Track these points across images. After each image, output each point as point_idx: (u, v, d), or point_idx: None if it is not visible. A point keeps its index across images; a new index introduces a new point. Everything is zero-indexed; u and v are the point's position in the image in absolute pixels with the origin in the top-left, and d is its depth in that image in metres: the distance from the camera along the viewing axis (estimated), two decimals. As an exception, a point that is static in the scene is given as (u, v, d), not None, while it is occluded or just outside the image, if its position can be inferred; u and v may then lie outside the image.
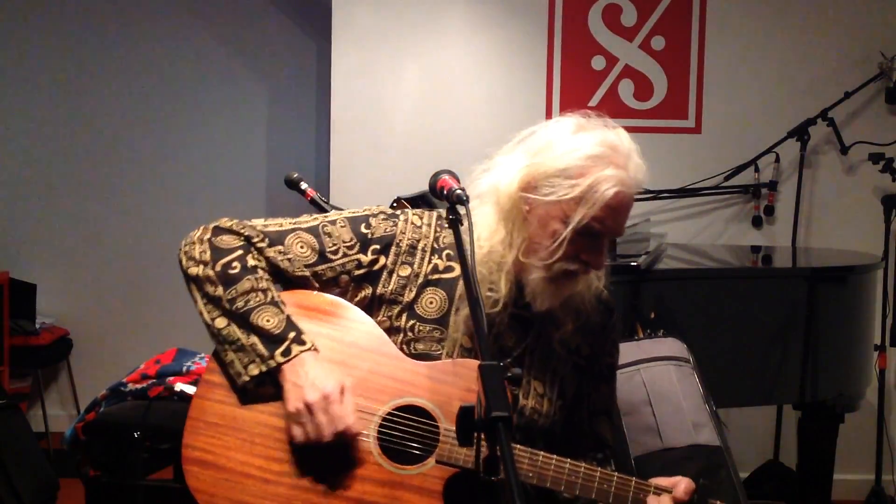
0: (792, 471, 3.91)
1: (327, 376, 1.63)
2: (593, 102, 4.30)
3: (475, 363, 1.64)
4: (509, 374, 1.44)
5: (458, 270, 1.75)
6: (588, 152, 1.66)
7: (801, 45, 4.29)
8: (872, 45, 4.20)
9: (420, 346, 1.71)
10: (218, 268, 1.69)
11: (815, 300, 3.07)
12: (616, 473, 1.66)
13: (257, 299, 1.67)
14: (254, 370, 1.65)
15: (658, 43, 4.32)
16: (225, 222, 1.76)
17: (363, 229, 1.76)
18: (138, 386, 2.70)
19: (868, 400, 3.64)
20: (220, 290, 1.68)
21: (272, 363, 1.64)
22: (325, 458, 1.63)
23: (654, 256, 3.19)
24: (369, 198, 3.80)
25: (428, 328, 1.72)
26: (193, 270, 1.71)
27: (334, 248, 1.74)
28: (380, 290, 1.74)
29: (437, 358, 1.70)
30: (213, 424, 1.68)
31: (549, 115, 4.25)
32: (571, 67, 4.32)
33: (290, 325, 1.67)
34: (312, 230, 1.76)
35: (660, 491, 1.62)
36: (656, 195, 4.09)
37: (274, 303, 1.69)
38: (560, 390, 1.79)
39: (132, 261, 5.01)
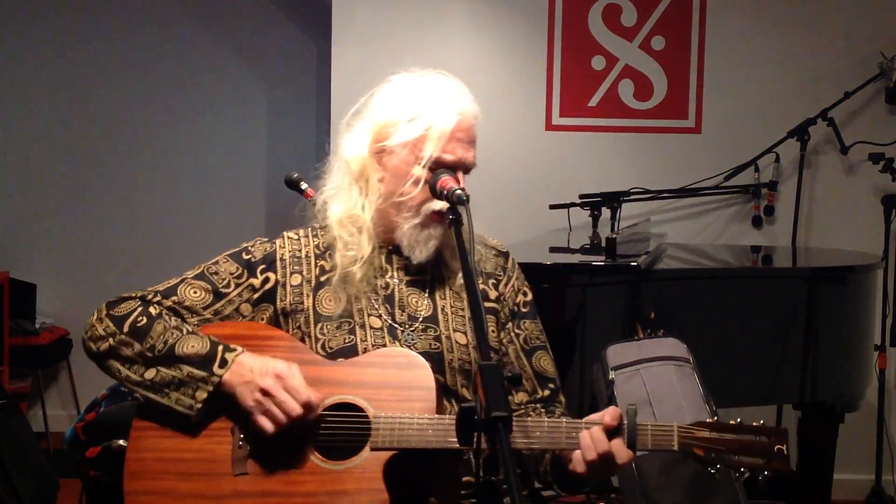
0: (792, 471, 3.91)
1: (272, 361, 1.67)
2: (593, 102, 4.30)
3: (394, 350, 1.73)
4: (509, 375, 1.45)
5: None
6: (421, 93, 1.79)
7: (801, 45, 4.29)
8: (872, 45, 4.20)
9: (335, 343, 1.75)
10: (126, 328, 1.72)
11: (815, 300, 3.07)
12: (546, 419, 1.69)
13: (174, 336, 1.71)
14: (201, 395, 1.66)
15: (658, 43, 4.32)
16: (113, 297, 1.80)
17: (244, 256, 1.83)
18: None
19: (868, 400, 3.64)
20: (136, 346, 1.71)
21: (215, 379, 1.66)
22: (265, 470, 1.66)
23: (654, 256, 3.19)
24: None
25: (335, 324, 1.77)
26: (104, 346, 1.73)
27: (225, 282, 1.80)
28: (279, 304, 1.80)
29: (353, 347, 1.74)
30: (151, 467, 1.70)
31: (549, 115, 4.26)
32: (571, 67, 4.32)
33: (213, 342, 1.70)
34: (199, 275, 1.81)
35: (590, 425, 1.62)
36: (656, 195, 4.09)
37: (192, 333, 1.72)
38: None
39: (132, 261, 5.01)
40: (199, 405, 1.66)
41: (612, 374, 2.49)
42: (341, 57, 4.31)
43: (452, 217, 1.63)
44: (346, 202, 1.80)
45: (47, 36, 5.03)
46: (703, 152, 4.30)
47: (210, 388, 1.66)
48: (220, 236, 5.01)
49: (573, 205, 3.91)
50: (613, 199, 3.76)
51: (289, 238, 1.86)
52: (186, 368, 1.67)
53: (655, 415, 2.37)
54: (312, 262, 1.83)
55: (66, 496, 3.36)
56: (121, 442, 2.55)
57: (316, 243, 1.85)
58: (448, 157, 1.73)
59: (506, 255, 1.94)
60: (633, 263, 2.85)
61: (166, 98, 5.10)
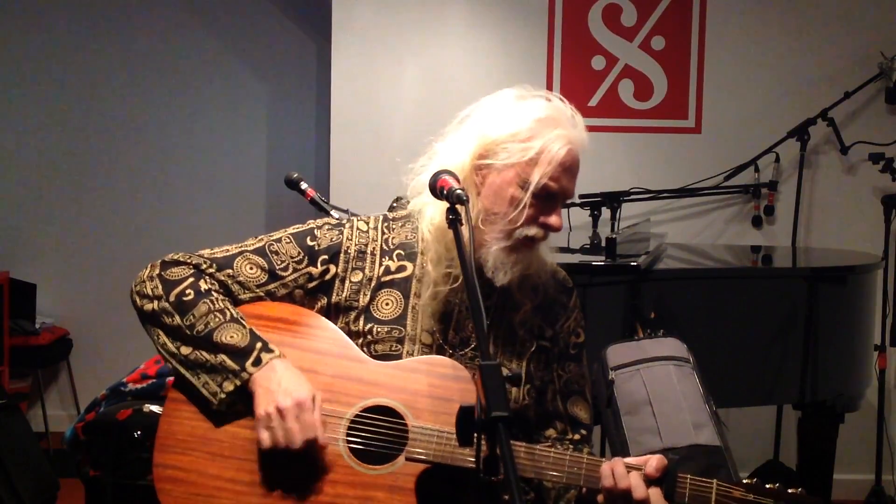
0: (792, 471, 3.91)
1: (300, 384, 1.63)
2: (593, 102, 4.30)
3: (439, 359, 1.69)
4: (508, 374, 1.44)
5: (410, 269, 1.77)
6: (535, 116, 1.70)
7: (801, 45, 4.29)
8: (872, 45, 4.20)
9: (380, 348, 1.73)
10: (172, 298, 1.71)
11: (815, 300, 3.07)
12: (586, 456, 1.66)
13: (217, 320, 1.68)
14: (228, 386, 1.64)
15: (658, 43, 4.32)
16: (171, 256, 1.79)
17: (309, 242, 1.78)
18: (138, 386, 2.69)
19: (868, 400, 3.64)
20: (177, 319, 1.69)
21: (245, 375, 1.64)
22: (295, 465, 1.63)
23: (654, 256, 3.19)
24: (369, 197, 3.81)
25: (386, 329, 1.74)
26: (148, 307, 1.72)
27: (283, 264, 1.77)
28: (334, 298, 1.76)
29: (399, 357, 1.72)
30: (182, 441, 1.68)
31: (549, 115, 4.25)
32: (571, 67, 4.32)
33: (254, 336, 1.68)
34: (259, 251, 1.78)
35: (630, 468, 1.61)
36: (656, 195, 4.09)
37: (234, 320, 1.69)
38: (527, 374, 1.80)
39: (132, 261, 4.96)
40: (223, 396, 1.64)
41: (612, 374, 2.49)
42: (341, 57, 4.31)
43: (452, 217, 1.60)
44: (442, 211, 1.70)
45: (47, 36, 5.03)
46: (703, 152, 4.30)
47: (238, 382, 1.64)
48: (220, 236, 4.99)
49: (573, 205, 3.90)
50: (613, 199, 3.76)
51: (358, 229, 1.81)
52: (221, 356, 1.65)
53: (655, 415, 2.37)
54: (377, 260, 1.78)
55: (66, 496, 3.37)
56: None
57: (385, 238, 1.80)
58: (553, 186, 1.68)
59: (570, 291, 1.90)
60: (633, 263, 2.85)
61: (166, 98, 5.10)
